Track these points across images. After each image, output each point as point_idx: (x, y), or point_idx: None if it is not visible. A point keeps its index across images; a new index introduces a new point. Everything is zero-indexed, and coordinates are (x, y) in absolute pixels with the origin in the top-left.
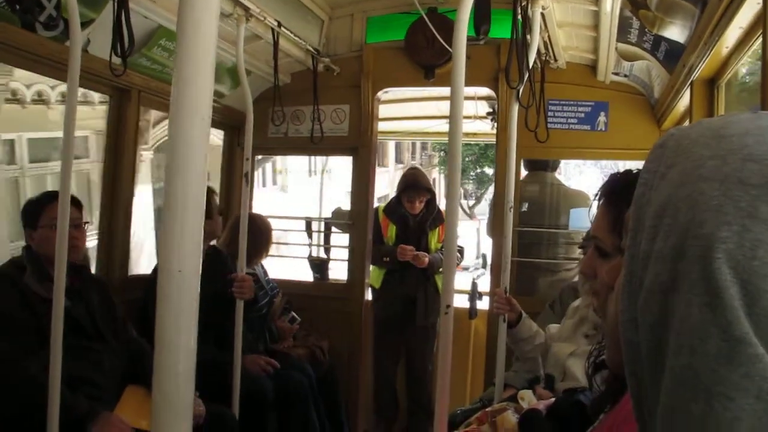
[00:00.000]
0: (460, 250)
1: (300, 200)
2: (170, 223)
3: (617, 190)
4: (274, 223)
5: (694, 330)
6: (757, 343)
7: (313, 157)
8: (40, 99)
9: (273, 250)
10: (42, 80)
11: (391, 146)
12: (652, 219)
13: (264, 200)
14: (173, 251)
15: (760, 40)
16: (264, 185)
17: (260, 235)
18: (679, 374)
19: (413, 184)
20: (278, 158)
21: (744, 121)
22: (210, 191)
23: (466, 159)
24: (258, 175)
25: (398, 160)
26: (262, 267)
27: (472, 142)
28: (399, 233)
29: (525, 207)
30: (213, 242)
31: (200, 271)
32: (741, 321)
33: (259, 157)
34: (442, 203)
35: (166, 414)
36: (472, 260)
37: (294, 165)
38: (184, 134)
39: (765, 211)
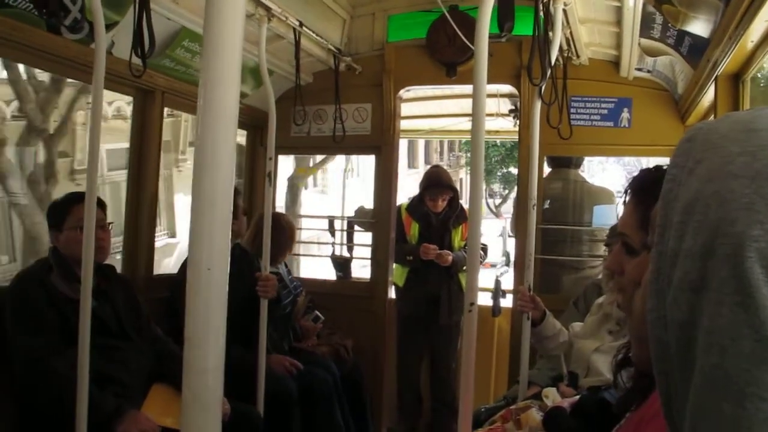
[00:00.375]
0: (484, 248)
1: (340, 201)
2: (199, 222)
3: (646, 186)
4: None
5: (725, 329)
6: None
7: (352, 157)
8: (119, 114)
9: (303, 249)
10: (120, 98)
11: (420, 147)
12: (680, 215)
13: (308, 203)
14: (202, 250)
15: None
16: (306, 188)
17: (283, 233)
18: (710, 374)
19: (436, 182)
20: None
21: None
22: (235, 191)
23: (493, 159)
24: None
25: (427, 161)
26: (286, 266)
27: (498, 143)
28: (422, 231)
29: (547, 204)
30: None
31: (228, 269)
32: None
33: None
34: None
35: (195, 410)
36: (498, 258)
37: (333, 165)
38: (212, 134)
39: None
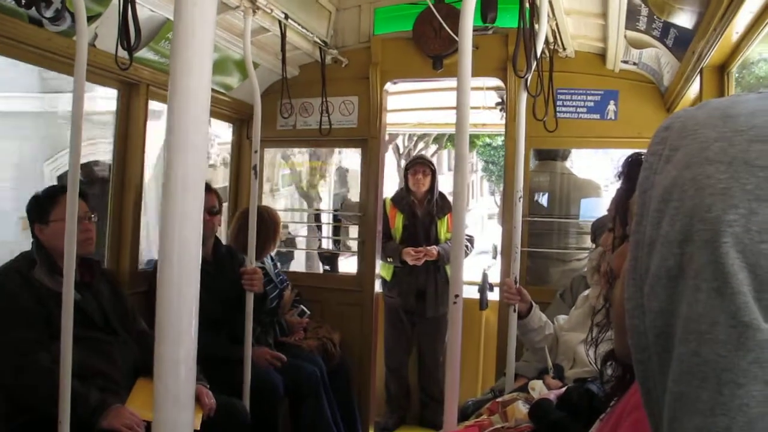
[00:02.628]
0: (470, 239)
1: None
2: (170, 210)
3: (629, 168)
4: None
5: (702, 316)
6: (767, 329)
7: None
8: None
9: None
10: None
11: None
12: (657, 203)
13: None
14: (173, 238)
15: None
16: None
17: (266, 227)
18: (687, 361)
19: (416, 157)
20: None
21: (751, 101)
22: (208, 188)
23: (503, 162)
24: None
25: (449, 167)
26: (272, 259)
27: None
28: (407, 223)
29: (536, 197)
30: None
31: (200, 258)
32: (749, 306)
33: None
34: (477, 207)
35: (167, 403)
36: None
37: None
38: (183, 120)
39: None
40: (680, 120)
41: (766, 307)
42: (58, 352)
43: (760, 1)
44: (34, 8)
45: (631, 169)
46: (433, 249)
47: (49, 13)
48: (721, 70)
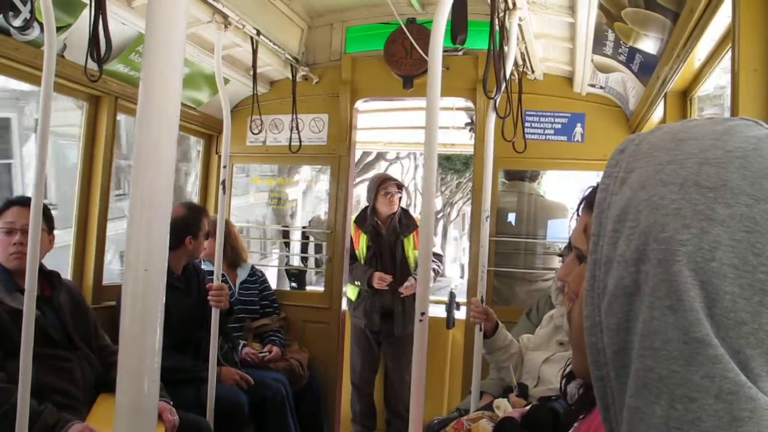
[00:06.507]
0: (440, 258)
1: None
2: (136, 223)
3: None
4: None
5: (656, 333)
6: (717, 344)
7: None
8: None
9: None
10: None
11: None
12: (613, 223)
13: None
14: (139, 250)
15: (731, 52)
16: None
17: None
18: (643, 377)
19: (386, 176)
20: None
21: (701, 126)
22: (202, 212)
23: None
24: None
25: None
26: (259, 275)
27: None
28: (370, 244)
29: (510, 218)
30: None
31: (166, 271)
32: (701, 323)
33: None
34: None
35: (129, 416)
36: None
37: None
38: (152, 133)
39: (722, 213)
40: (634, 143)
41: (718, 323)
42: (13, 371)
43: (721, 29)
44: (1, 16)
45: (589, 199)
46: (411, 283)
47: (17, 22)
48: (684, 95)
